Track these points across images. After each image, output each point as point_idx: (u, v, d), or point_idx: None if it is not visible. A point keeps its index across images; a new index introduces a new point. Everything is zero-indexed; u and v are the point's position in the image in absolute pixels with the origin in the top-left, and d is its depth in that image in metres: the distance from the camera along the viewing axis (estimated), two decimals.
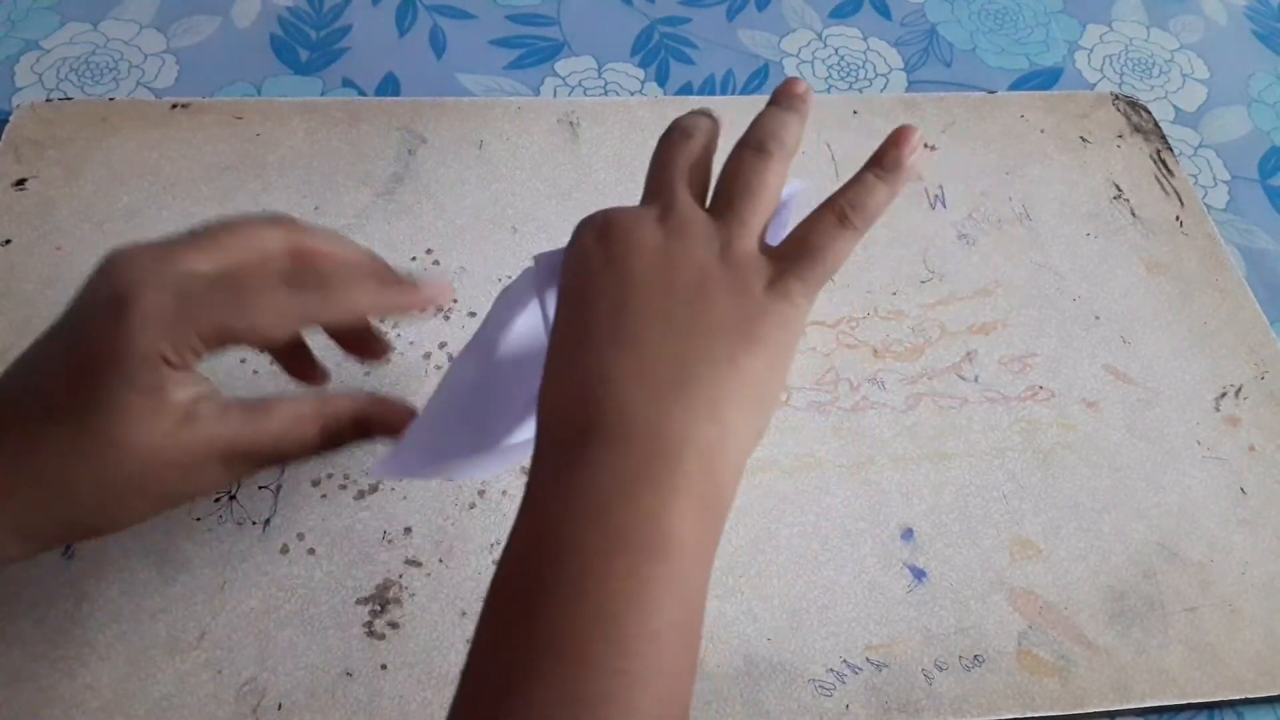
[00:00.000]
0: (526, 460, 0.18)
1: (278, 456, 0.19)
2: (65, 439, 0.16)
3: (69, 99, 0.36)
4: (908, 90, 0.40)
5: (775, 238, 0.20)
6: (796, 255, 0.19)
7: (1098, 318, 0.33)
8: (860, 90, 0.40)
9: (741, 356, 0.17)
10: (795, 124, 0.20)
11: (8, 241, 0.31)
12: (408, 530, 0.27)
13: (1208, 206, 0.37)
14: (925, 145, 0.37)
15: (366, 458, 0.28)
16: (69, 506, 0.17)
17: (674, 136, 0.20)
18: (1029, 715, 0.25)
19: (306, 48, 0.39)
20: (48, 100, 0.35)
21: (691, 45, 0.40)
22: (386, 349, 0.22)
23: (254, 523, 0.26)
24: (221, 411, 0.18)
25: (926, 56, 0.41)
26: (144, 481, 0.17)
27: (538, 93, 0.38)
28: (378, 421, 0.20)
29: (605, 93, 0.38)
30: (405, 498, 0.27)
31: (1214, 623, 0.27)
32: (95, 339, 0.16)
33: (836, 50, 0.41)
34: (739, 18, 0.42)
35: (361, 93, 0.37)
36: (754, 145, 0.20)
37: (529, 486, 0.17)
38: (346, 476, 0.27)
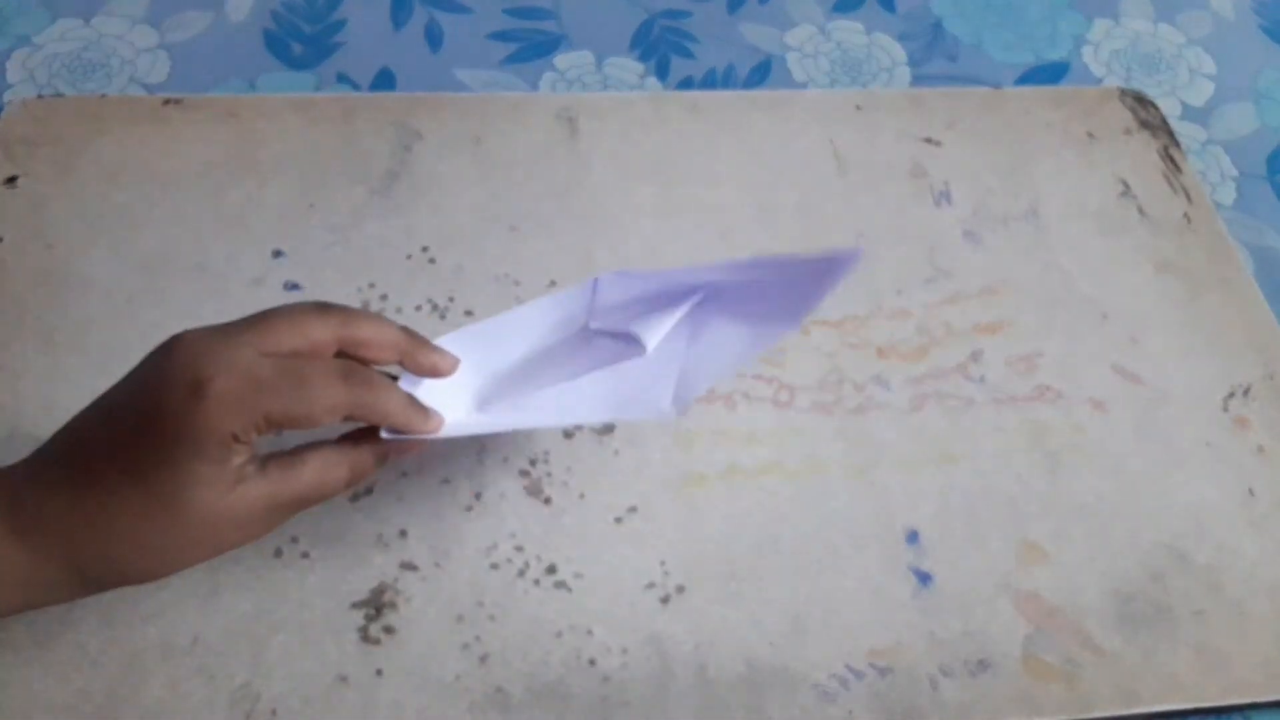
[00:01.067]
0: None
1: (312, 502, 0.21)
2: (139, 501, 0.19)
3: (60, 95, 0.35)
4: (912, 85, 0.39)
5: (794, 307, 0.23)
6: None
7: (1105, 317, 0.33)
8: (864, 85, 0.39)
9: None
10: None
11: None
12: (403, 533, 0.26)
13: (1216, 204, 0.37)
14: (930, 141, 0.36)
15: None
16: (134, 559, 0.20)
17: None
18: None
19: (300, 42, 0.38)
20: (39, 97, 0.35)
21: (692, 39, 0.40)
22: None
23: None
24: (261, 470, 0.20)
25: (931, 51, 0.41)
26: (202, 538, 0.20)
27: (536, 88, 0.37)
28: (396, 450, 0.23)
29: (605, 87, 0.38)
30: (400, 500, 0.27)
31: (1222, 626, 0.27)
32: (173, 417, 0.19)
33: (839, 44, 0.41)
34: (741, 11, 0.41)
35: (356, 88, 0.37)
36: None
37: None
38: None
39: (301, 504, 0.21)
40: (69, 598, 0.21)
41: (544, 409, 0.24)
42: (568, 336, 0.25)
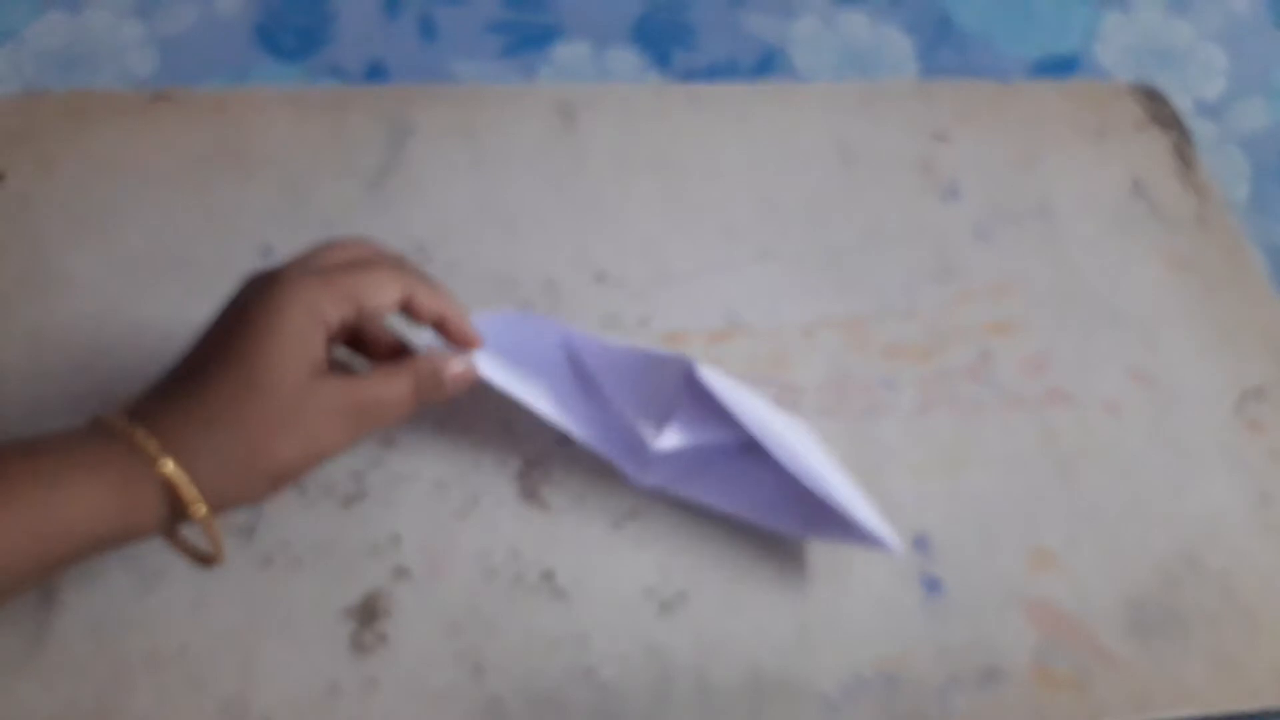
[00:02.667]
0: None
1: (386, 415, 0.22)
2: (232, 382, 0.20)
3: (47, 90, 0.34)
4: (919, 78, 0.39)
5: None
6: None
7: (1117, 317, 0.32)
8: (870, 77, 0.38)
9: None
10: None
11: None
12: (396, 539, 0.26)
13: (1229, 201, 0.36)
14: (937, 135, 0.35)
15: (354, 462, 0.27)
16: (232, 448, 0.20)
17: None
18: None
19: (291, 34, 0.37)
20: (25, 92, 0.34)
21: (694, 30, 0.39)
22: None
23: (236, 531, 0.25)
24: (336, 374, 0.22)
25: (938, 43, 0.40)
26: (293, 422, 0.21)
27: (532, 80, 0.37)
28: (450, 374, 0.24)
29: (603, 79, 0.37)
30: (393, 505, 0.26)
31: (1235, 633, 0.26)
32: (261, 302, 0.21)
33: (844, 36, 0.40)
34: (744, 1, 0.40)
35: (348, 80, 0.36)
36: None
37: None
38: (332, 483, 0.26)
39: (372, 411, 0.22)
40: (160, 519, 0.20)
41: (546, 396, 0.25)
42: (626, 367, 0.25)
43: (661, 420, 0.25)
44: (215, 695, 0.23)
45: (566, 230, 0.32)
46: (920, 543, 0.27)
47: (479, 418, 0.28)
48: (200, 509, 0.20)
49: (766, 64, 0.38)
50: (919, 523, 0.27)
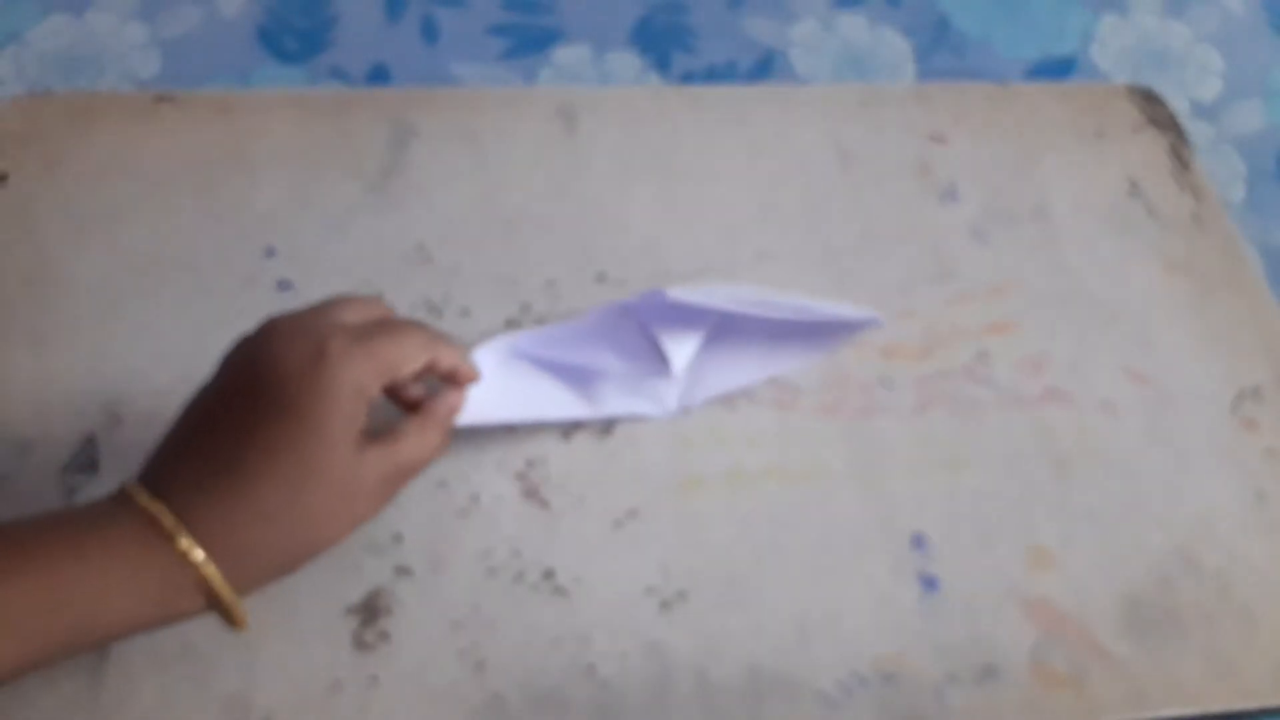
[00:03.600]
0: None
1: (417, 468, 0.22)
2: (283, 474, 0.19)
3: (51, 92, 0.35)
4: (917, 80, 0.39)
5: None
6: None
7: (1114, 317, 0.32)
8: (868, 80, 0.39)
9: None
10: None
11: None
12: (398, 537, 0.26)
13: (1225, 202, 0.36)
14: (935, 138, 0.35)
15: None
16: (280, 540, 0.20)
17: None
18: None
19: (294, 36, 0.38)
20: (29, 94, 0.34)
21: (693, 33, 0.39)
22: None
23: None
24: (373, 441, 0.21)
25: (937, 45, 0.40)
26: (341, 507, 0.20)
27: (533, 82, 0.37)
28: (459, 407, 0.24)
29: (603, 82, 0.37)
30: (394, 504, 0.26)
31: (1231, 631, 0.26)
32: (303, 383, 0.20)
33: (843, 38, 0.40)
34: (742, 4, 0.41)
35: (351, 83, 0.36)
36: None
37: None
38: None
39: (411, 471, 0.22)
40: (198, 611, 0.20)
41: (554, 400, 0.26)
42: (589, 334, 0.27)
43: (658, 351, 0.27)
44: (218, 693, 0.23)
45: (567, 231, 0.32)
46: (918, 541, 0.27)
47: None
48: (238, 612, 0.20)
49: (766, 66, 0.39)
50: (917, 521, 0.27)
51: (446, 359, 0.23)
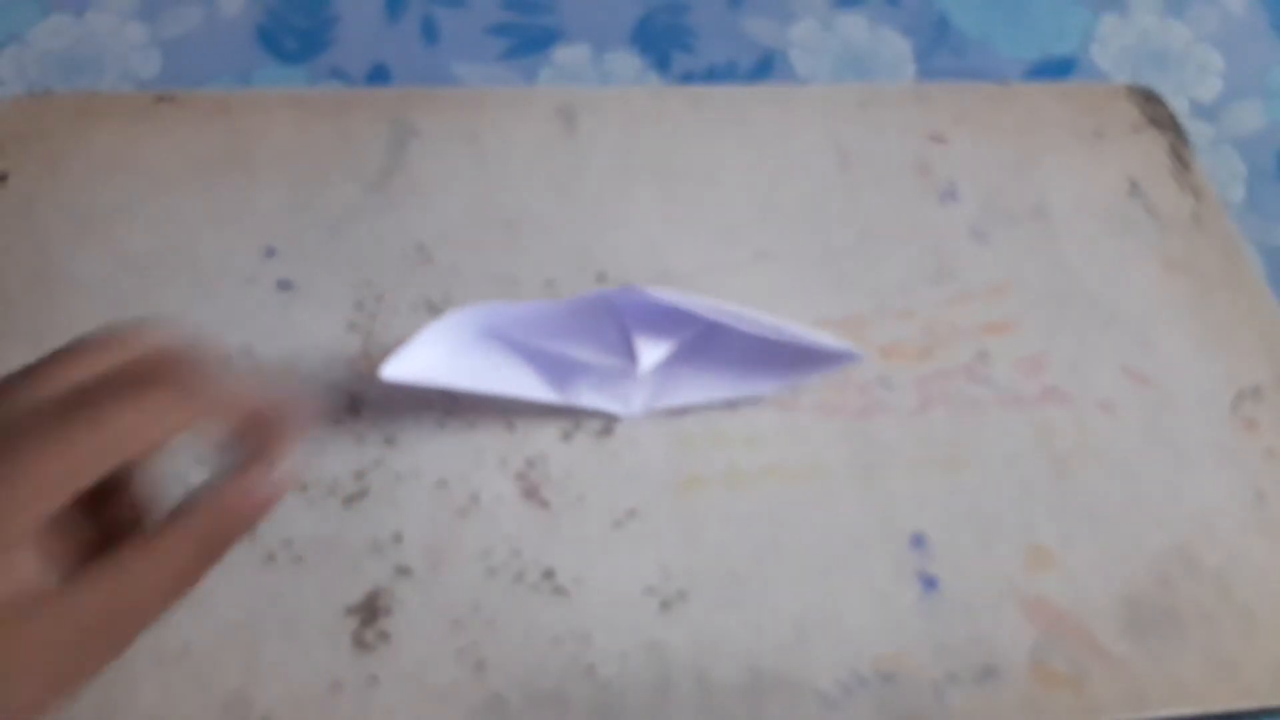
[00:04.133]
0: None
1: (145, 616, 0.15)
2: None
3: (51, 92, 0.35)
4: (916, 80, 0.39)
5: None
6: None
7: (1113, 317, 0.32)
8: (868, 80, 0.39)
9: None
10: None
11: None
12: (398, 537, 0.26)
13: (1225, 202, 0.36)
14: (935, 137, 0.35)
15: (355, 461, 0.27)
16: None
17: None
18: None
19: (294, 36, 0.38)
20: (29, 94, 0.34)
21: (693, 33, 0.39)
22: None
23: None
24: (84, 569, 0.15)
25: (936, 45, 0.40)
26: (19, 666, 0.14)
27: (533, 82, 0.37)
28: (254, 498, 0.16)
29: (603, 82, 0.37)
30: (394, 503, 0.27)
31: (1231, 631, 0.26)
32: None
33: (843, 38, 0.40)
34: (742, 4, 0.41)
35: (351, 83, 0.36)
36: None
37: None
38: (334, 482, 0.27)
39: (137, 616, 0.15)
40: None
41: (520, 381, 0.26)
42: (566, 319, 0.26)
43: (629, 347, 0.26)
44: (218, 692, 0.23)
45: (567, 231, 0.32)
46: (917, 541, 0.27)
47: (480, 416, 0.28)
48: None
49: (765, 66, 0.39)
50: (916, 521, 0.27)
51: (232, 414, 0.15)
